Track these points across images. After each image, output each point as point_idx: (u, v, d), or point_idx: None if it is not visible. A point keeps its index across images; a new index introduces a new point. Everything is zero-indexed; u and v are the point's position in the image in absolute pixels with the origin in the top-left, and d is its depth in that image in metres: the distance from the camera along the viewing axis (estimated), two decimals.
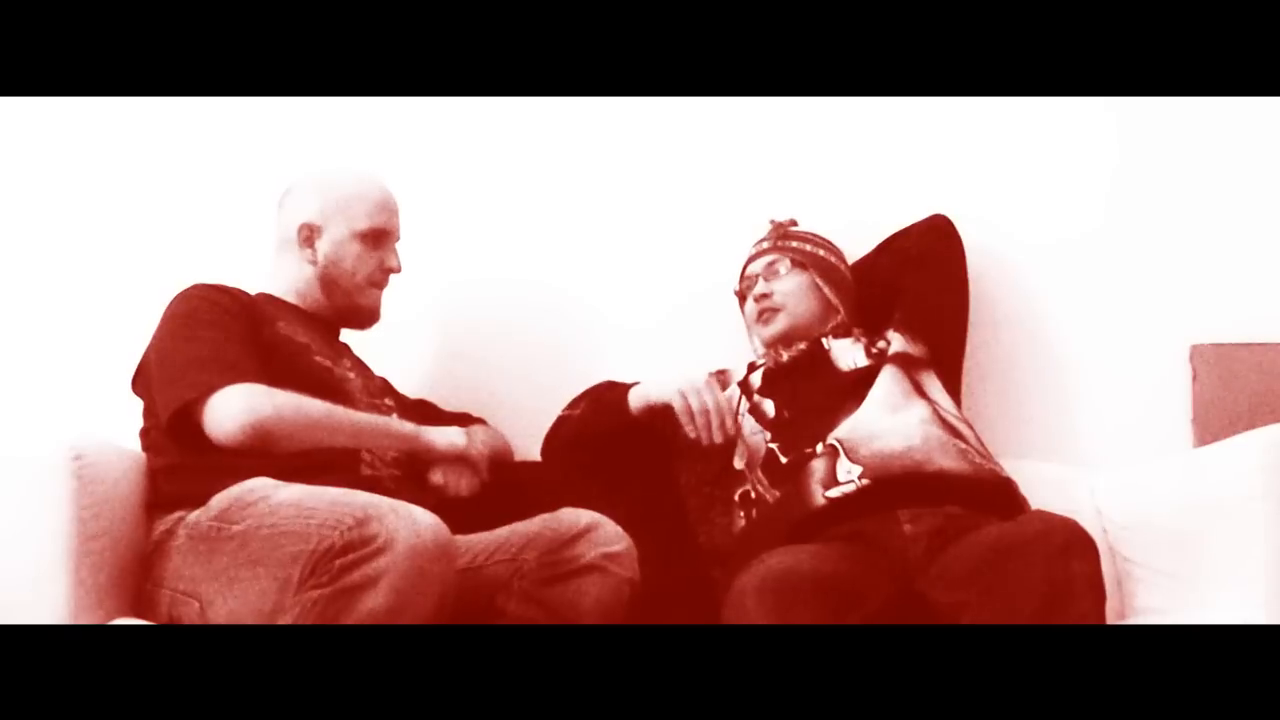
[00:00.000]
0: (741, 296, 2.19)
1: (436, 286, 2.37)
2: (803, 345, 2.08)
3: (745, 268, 2.19)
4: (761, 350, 2.16)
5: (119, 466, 1.83)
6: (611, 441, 2.01)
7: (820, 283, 2.14)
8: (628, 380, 2.07)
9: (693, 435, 1.93)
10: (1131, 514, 2.07)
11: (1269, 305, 2.23)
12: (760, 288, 2.12)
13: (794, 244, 2.17)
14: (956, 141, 2.33)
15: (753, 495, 1.95)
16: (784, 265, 2.14)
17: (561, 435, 2.09)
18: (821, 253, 2.17)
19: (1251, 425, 1.96)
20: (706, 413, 1.92)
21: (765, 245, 2.18)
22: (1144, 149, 2.30)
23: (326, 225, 2.02)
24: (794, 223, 2.21)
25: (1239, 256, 2.26)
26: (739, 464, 2.00)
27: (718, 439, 1.92)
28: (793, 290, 2.12)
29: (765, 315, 2.11)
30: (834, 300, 2.13)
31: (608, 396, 2.04)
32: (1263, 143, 2.27)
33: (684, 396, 1.93)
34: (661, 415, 1.96)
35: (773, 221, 2.21)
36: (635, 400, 1.99)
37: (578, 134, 2.39)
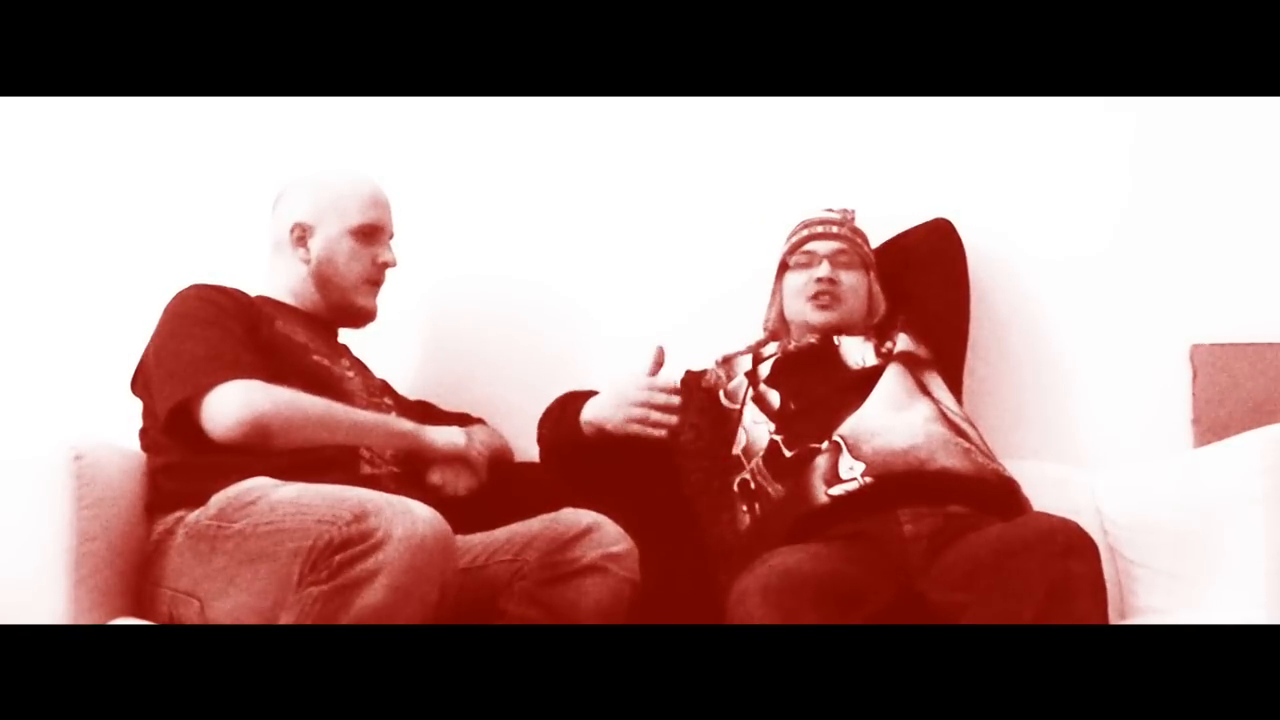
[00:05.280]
0: (786, 265, 2.14)
1: (434, 287, 2.37)
2: (813, 338, 2.08)
3: (806, 241, 2.13)
4: (773, 323, 2.16)
5: (119, 466, 1.83)
6: (580, 453, 2.01)
7: (875, 289, 2.14)
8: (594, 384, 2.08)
9: (663, 435, 1.93)
10: (1132, 514, 2.07)
11: (1269, 305, 2.23)
12: (826, 270, 2.08)
13: (859, 241, 2.15)
14: (956, 143, 2.33)
15: (752, 486, 1.95)
16: (852, 258, 2.12)
17: (543, 453, 2.10)
18: (872, 258, 2.16)
19: (1251, 425, 1.96)
20: (668, 412, 1.92)
21: (835, 230, 2.14)
22: (1144, 150, 2.30)
23: (319, 224, 2.02)
24: (854, 214, 2.19)
25: (1239, 257, 2.26)
26: (736, 450, 2.00)
27: (672, 420, 1.92)
28: (854, 286, 2.11)
29: (824, 299, 2.08)
30: (879, 308, 2.14)
31: (566, 413, 2.03)
32: (1263, 143, 2.27)
33: (639, 423, 1.92)
34: (613, 438, 1.95)
35: (843, 210, 2.18)
36: (586, 427, 1.98)
37: (577, 134, 2.39)
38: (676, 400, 1.92)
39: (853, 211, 2.18)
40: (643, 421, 1.92)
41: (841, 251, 2.11)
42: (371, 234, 2.04)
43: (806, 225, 2.15)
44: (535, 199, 2.39)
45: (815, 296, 2.08)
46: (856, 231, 2.16)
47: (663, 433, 1.92)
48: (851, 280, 2.10)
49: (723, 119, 2.36)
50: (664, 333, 2.29)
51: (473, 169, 2.40)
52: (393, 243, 2.09)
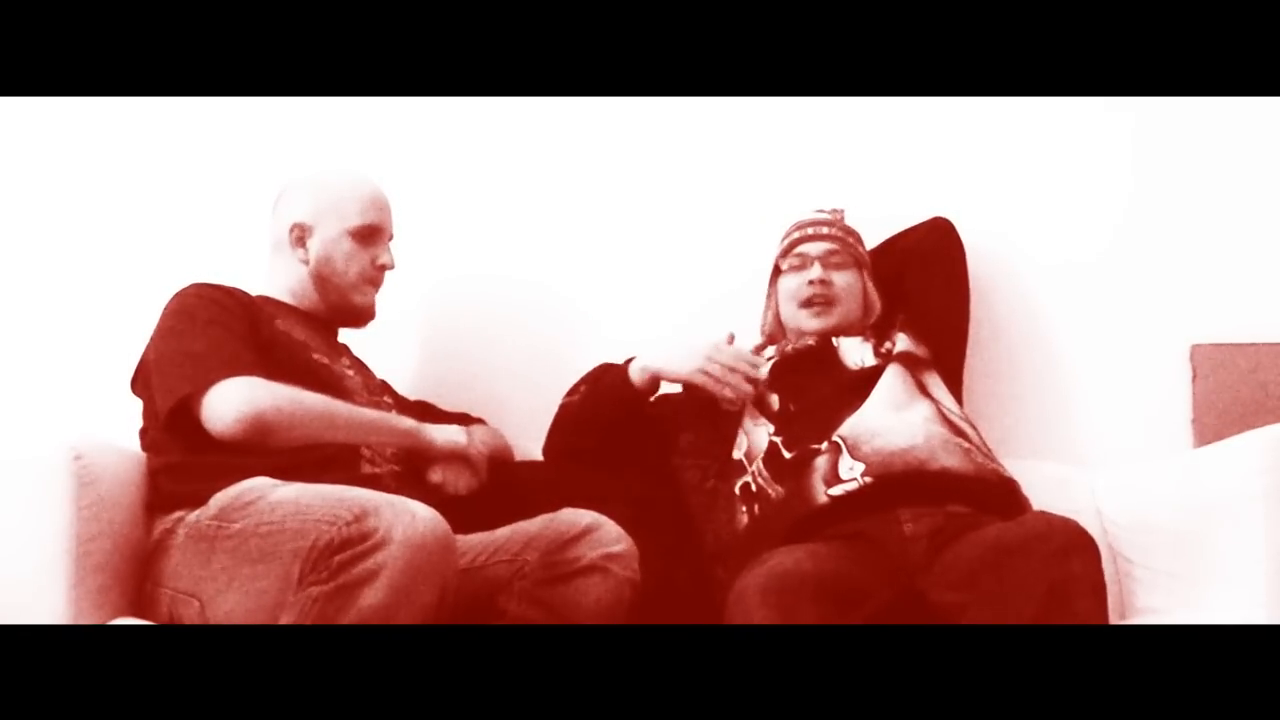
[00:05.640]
0: (779, 269, 2.15)
1: (434, 287, 2.37)
2: (811, 340, 2.08)
3: (797, 244, 2.13)
4: (770, 327, 2.16)
5: (119, 466, 1.83)
6: (615, 424, 2.02)
7: (870, 287, 2.14)
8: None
9: (731, 396, 1.96)
10: (1131, 514, 2.07)
11: (1269, 305, 2.23)
12: (818, 273, 2.08)
13: (851, 240, 2.15)
14: (956, 143, 2.33)
15: (753, 488, 1.95)
16: (845, 258, 2.12)
17: (565, 421, 2.09)
18: (866, 257, 2.17)
19: (1251, 425, 1.96)
20: (733, 372, 1.95)
21: (825, 231, 2.14)
22: (1144, 150, 2.30)
23: (318, 224, 2.02)
24: (843, 213, 2.19)
25: (1239, 256, 2.26)
26: (737, 454, 2.00)
27: (748, 389, 1.96)
28: (848, 287, 2.10)
29: (818, 302, 2.08)
30: (875, 307, 2.14)
31: (606, 378, 2.05)
32: (1263, 143, 2.27)
33: (706, 374, 1.95)
34: (664, 393, 1.98)
35: (833, 210, 2.18)
36: (638, 374, 2.00)
37: (577, 134, 2.39)
38: (760, 375, 1.96)
39: (842, 211, 2.18)
40: (718, 380, 1.94)
41: (833, 252, 2.11)
42: (370, 235, 2.04)
43: (798, 227, 2.16)
44: (535, 199, 2.39)
45: (809, 300, 2.08)
46: (848, 231, 2.16)
47: (730, 395, 1.95)
48: (845, 280, 2.10)
49: (723, 119, 2.36)
50: (664, 333, 2.31)
51: (473, 169, 2.40)
52: (393, 243, 2.09)
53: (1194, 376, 2.22)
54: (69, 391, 2.35)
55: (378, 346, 2.16)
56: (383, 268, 2.06)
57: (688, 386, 2.02)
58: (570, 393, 2.09)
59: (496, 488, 2.02)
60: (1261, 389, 2.17)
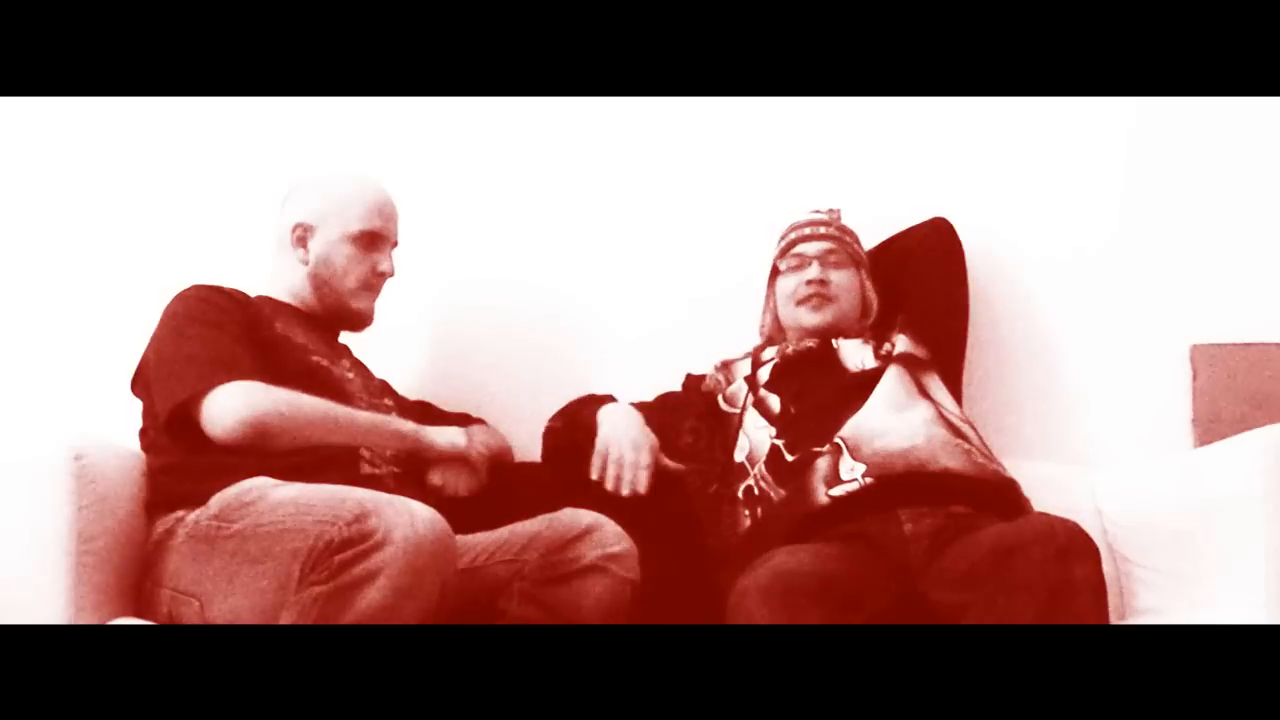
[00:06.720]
0: (777, 270, 2.16)
1: (436, 288, 2.37)
2: (811, 342, 2.08)
3: (795, 244, 2.14)
4: (769, 329, 2.16)
5: (119, 466, 1.83)
6: (586, 455, 2.02)
7: (868, 286, 2.14)
8: (616, 386, 2.11)
9: (596, 478, 1.95)
10: (1131, 514, 2.07)
11: (1269, 305, 2.23)
12: (816, 272, 2.09)
13: (848, 239, 2.15)
14: (955, 143, 2.33)
15: (756, 492, 1.95)
16: (842, 257, 2.12)
17: (545, 447, 2.12)
18: (863, 255, 2.17)
19: (1251, 425, 1.96)
20: (619, 465, 1.94)
21: (823, 230, 2.14)
22: (1143, 150, 2.30)
23: (320, 226, 2.02)
24: (839, 213, 2.20)
25: (1239, 257, 2.26)
26: (739, 457, 2.00)
27: (624, 491, 1.93)
28: (846, 285, 2.11)
29: (816, 301, 2.09)
30: (872, 306, 2.14)
31: (580, 415, 2.06)
32: (1263, 143, 2.27)
33: (605, 447, 1.96)
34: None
35: (830, 210, 2.19)
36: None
37: (577, 135, 2.39)
38: (627, 491, 1.94)
39: (838, 210, 2.18)
40: (603, 469, 1.95)
41: (831, 251, 2.12)
42: (372, 242, 2.04)
43: (795, 228, 2.16)
44: (534, 200, 2.39)
45: (807, 299, 2.09)
46: (845, 230, 2.16)
47: (595, 478, 1.95)
48: (842, 279, 2.11)
49: (723, 119, 2.36)
50: (667, 332, 2.31)
51: (473, 169, 2.40)
52: (397, 248, 2.08)
53: (1194, 376, 2.22)
54: (69, 391, 2.35)
55: (380, 348, 2.16)
56: (382, 275, 2.05)
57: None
58: (553, 419, 2.12)
59: (496, 488, 2.02)
60: (1261, 389, 2.17)
